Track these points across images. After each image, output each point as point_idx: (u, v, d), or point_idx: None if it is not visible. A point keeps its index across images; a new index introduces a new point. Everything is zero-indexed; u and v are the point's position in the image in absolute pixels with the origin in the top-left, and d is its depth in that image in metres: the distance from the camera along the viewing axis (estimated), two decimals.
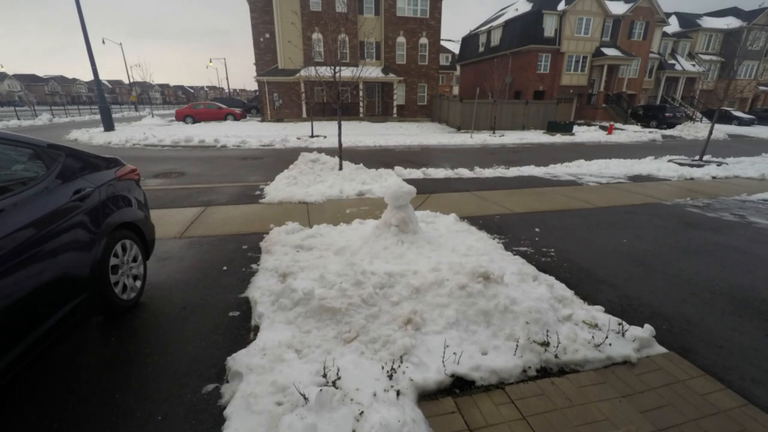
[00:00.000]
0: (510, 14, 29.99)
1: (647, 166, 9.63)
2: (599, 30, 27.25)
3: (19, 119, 25.37)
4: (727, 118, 28.17)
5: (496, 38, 30.84)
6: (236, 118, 25.48)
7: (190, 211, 5.52)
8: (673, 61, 32.74)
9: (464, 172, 8.50)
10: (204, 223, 4.96)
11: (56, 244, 2.09)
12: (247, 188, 7.02)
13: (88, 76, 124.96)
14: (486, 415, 1.89)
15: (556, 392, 2.05)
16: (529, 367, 2.20)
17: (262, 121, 24.60)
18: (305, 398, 1.83)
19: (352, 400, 1.88)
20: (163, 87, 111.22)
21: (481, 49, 33.13)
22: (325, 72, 7.86)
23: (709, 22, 34.07)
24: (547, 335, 2.39)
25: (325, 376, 2.03)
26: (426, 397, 2.02)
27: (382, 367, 2.11)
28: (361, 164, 8.22)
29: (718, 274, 3.60)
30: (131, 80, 36.86)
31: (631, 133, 19.97)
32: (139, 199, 3.12)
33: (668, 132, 22.04)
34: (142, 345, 2.48)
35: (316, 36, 23.20)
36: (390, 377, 2.04)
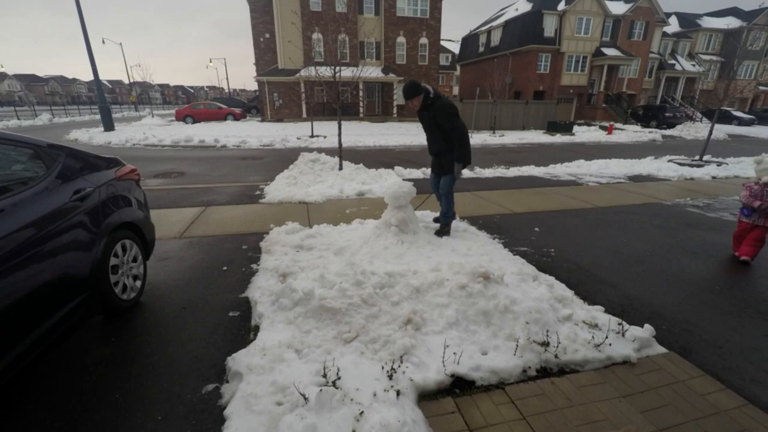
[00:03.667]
0: (510, 14, 30.03)
1: (647, 166, 9.63)
2: (599, 30, 27.27)
3: (19, 119, 25.38)
4: (727, 118, 28.18)
5: (496, 38, 30.87)
6: (236, 118, 25.49)
7: (190, 211, 5.52)
8: (673, 61, 32.76)
9: (464, 172, 8.48)
10: (204, 223, 4.96)
11: (56, 244, 2.09)
12: (247, 188, 7.02)
13: (88, 76, 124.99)
14: (486, 415, 1.89)
15: (556, 392, 2.05)
16: (529, 367, 2.20)
17: (262, 121, 24.61)
18: (305, 398, 1.83)
19: (352, 400, 1.88)
20: (163, 87, 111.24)
21: (481, 49, 33.15)
22: (325, 72, 7.86)
23: (709, 22, 34.08)
24: (547, 335, 2.39)
25: (325, 376, 2.03)
26: (426, 397, 2.02)
27: (382, 367, 2.11)
28: (361, 164, 8.22)
29: (718, 274, 3.60)
30: (131, 80, 36.88)
31: (631, 133, 19.98)
32: (139, 199, 3.12)
33: (668, 132, 22.04)
34: (142, 345, 2.48)
35: (316, 36, 23.21)
36: (390, 377, 2.04)
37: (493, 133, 19.47)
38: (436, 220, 4.55)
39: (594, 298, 3.09)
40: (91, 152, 2.81)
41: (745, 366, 2.33)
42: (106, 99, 18.67)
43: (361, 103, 24.90)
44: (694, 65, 33.11)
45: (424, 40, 25.19)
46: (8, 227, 1.84)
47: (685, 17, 35.03)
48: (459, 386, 2.09)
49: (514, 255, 3.80)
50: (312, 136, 15.64)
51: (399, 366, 2.12)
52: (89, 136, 15.49)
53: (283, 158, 10.42)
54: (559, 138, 17.95)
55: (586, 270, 3.66)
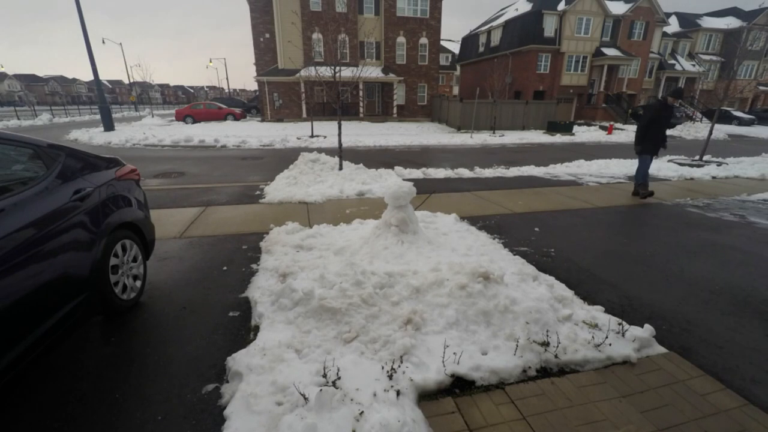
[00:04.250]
0: (510, 14, 30.01)
1: None
2: (599, 30, 27.26)
3: (19, 119, 25.39)
4: (727, 118, 28.17)
5: (496, 38, 30.86)
6: (236, 118, 25.50)
7: (190, 211, 5.52)
8: (673, 61, 32.76)
9: (464, 172, 8.50)
10: (204, 223, 4.96)
11: (56, 244, 2.09)
12: (247, 188, 7.02)
13: (88, 76, 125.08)
14: (486, 415, 1.89)
15: (556, 392, 2.05)
16: (529, 367, 2.20)
17: (262, 121, 24.61)
18: (305, 398, 1.83)
19: (352, 400, 1.88)
20: (163, 87, 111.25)
21: (481, 49, 33.14)
22: (325, 72, 7.86)
23: (709, 22, 34.09)
24: (547, 335, 2.39)
25: (325, 376, 2.03)
26: (426, 397, 2.02)
27: (382, 367, 2.11)
28: (361, 164, 8.22)
29: (718, 274, 3.60)
30: (131, 80, 36.88)
31: (631, 133, 19.94)
32: (139, 199, 3.12)
33: (668, 132, 22.01)
34: (142, 345, 2.48)
35: (316, 36, 23.20)
36: (390, 377, 2.04)
37: (493, 133, 19.47)
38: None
39: (594, 298, 3.09)
40: (91, 152, 2.81)
41: (745, 366, 2.33)
42: (106, 99, 18.67)
43: (361, 103, 24.89)
44: (694, 65, 33.10)
45: (424, 40, 25.18)
46: (8, 227, 1.84)
47: (685, 17, 35.03)
48: (459, 386, 2.09)
49: (514, 255, 3.80)
50: (312, 136, 15.64)
51: (399, 366, 2.12)
52: (89, 136, 15.49)
53: (283, 158, 10.42)
54: (559, 138, 17.95)
55: (586, 270, 3.66)
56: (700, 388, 2.10)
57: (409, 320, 2.48)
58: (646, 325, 2.53)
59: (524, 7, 28.47)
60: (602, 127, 21.70)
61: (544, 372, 2.22)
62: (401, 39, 24.76)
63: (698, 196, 6.80)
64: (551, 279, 3.24)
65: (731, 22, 33.09)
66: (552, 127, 20.44)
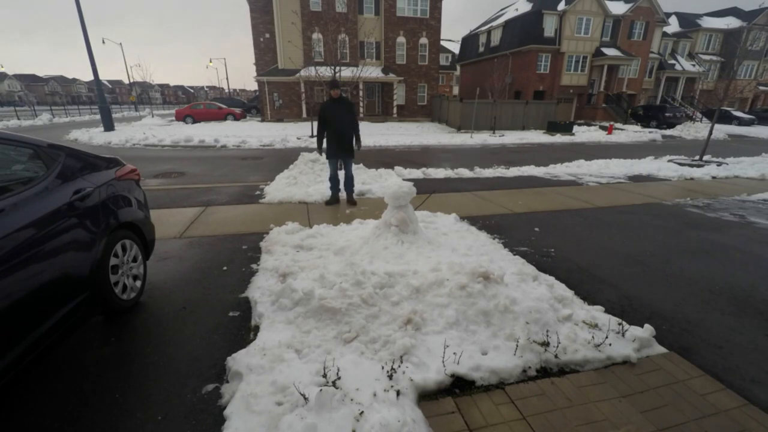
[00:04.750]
0: (510, 14, 30.01)
1: (647, 166, 9.63)
2: (599, 30, 27.25)
3: (19, 119, 25.39)
4: (727, 118, 28.16)
5: (496, 38, 30.85)
6: (236, 118, 25.50)
7: (190, 211, 5.52)
8: (673, 61, 32.74)
9: (464, 172, 8.50)
10: (204, 223, 4.96)
11: (56, 244, 2.09)
12: (247, 188, 7.02)
13: (88, 76, 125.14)
14: (486, 415, 1.89)
15: (556, 392, 2.05)
16: (529, 367, 2.20)
17: (262, 121, 24.60)
18: (305, 398, 1.83)
19: (352, 400, 1.88)
20: (163, 87, 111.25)
21: (481, 49, 33.13)
22: (325, 72, 7.87)
23: (709, 22, 34.07)
24: (547, 335, 2.39)
25: (325, 376, 2.03)
26: (426, 397, 2.02)
27: (382, 367, 2.11)
28: (361, 164, 8.23)
29: (718, 274, 3.60)
30: (131, 80, 36.90)
31: (631, 133, 19.98)
32: (139, 199, 3.12)
33: (668, 132, 22.04)
34: (142, 345, 2.48)
35: (316, 36, 23.20)
36: (390, 377, 2.04)
37: (493, 133, 19.48)
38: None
39: (594, 298, 3.09)
40: (91, 152, 2.81)
41: (745, 366, 2.33)
42: (106, 99, 18.67)
43: (361, 103, 24.87)
44: (694, 65, 33.08)
45: (424, 40, 25.17)
46: (8, 227, 1.84)
47: (685, 17, 35.02)
48: (459, 386, 2.09)
49: (514, 255, 3.80)
50: (312, 136, 15.62)
51: (399, 366, 2.12)
52: (89, 136, 15.49)
53: (283, 158, 10.42)
54: (559, 138, 17.95)
55: (586, 270, 3.66)
56: (700, 388, 2.10)
57: (409, 320, 2.48)
58: (646, 325, 2.53)
59: (524, 7, 28.46)
60: (602, 127, 21.68)
61: (544, 372, 2.22)
62: (401, 39, 24.75)
63: (698, 196, 6.80)
64: (551, 279, 3.24)
65: (731, 22, 33.08)
66: (552, 127, 20.44)
